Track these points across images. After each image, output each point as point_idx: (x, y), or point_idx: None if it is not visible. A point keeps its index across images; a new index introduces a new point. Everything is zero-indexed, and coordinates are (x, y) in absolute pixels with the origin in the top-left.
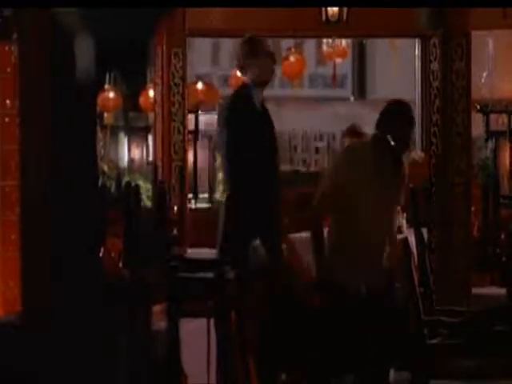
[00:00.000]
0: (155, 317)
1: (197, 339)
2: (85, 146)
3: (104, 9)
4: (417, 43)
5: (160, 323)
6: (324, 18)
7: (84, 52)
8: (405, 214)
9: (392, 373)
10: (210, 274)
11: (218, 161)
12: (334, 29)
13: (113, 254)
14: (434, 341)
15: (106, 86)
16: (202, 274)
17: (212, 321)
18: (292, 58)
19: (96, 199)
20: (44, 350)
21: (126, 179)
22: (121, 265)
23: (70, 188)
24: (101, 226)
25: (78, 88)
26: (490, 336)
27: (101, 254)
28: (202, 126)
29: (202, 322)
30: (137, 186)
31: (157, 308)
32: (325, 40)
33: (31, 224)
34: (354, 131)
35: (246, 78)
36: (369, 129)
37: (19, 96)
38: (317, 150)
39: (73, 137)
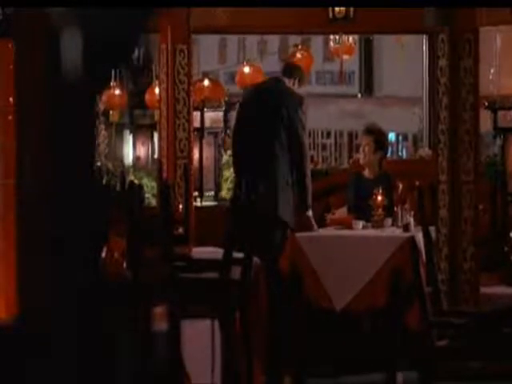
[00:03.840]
0: (157, 318)
1: (201, 340)
2: (82, 144)
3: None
4: (424, 39)
5: (162, 324)
6: (331, 14)
7: (79, 50)
8: (412, 212)
9: (400, 376)
10: (214, 275)
11: (225, 158)
12: (341, 25)
13: (116, 254)
14: (442, 342)
15: (112, 84)
16: (206, 275)
17: (216, 322)
18: (299, 55)
19: (96, 198)
20: (42, 351)
21: (131, 177)
22: (125, 265)
23: (67, 187)
24: (102, 226)
25: (74, 86)
26: (498, 338)
27: (103, 254)
28: (207, 124)
29: (207, 323)
30: (139, 185)
31: (159, 309)
32: (332, 36)
33: (27, 224)
34: (370, 130)
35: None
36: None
37: (16, 94)
38: (324, 147)
39: (69, 135)
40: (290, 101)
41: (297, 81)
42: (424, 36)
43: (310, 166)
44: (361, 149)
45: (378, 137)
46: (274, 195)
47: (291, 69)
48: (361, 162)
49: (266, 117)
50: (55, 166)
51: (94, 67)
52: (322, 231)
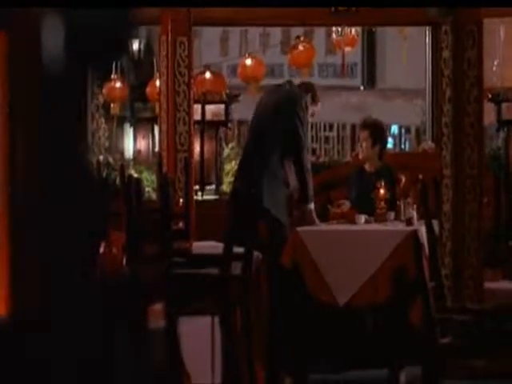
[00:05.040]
0: (156, 315)
1: (201, 338)
2: (75, 137)
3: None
4: (427, 31)
5: (161, 322)
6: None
7: (71, 44)
8: (415, 206)
9: (403, 375)
10: (215, 271)
11: (226, 152)
12: (344, 17)
13: (114, 250)
14: (446, 340)
15: (113, 76)
16: (206, 270)
17: (216, 319)
18: (301, 47)
19: (92, 193)
20: (38, 350)
21: (131, 171)
22: (124, 261)
23: (62, 182)
24: (99, 222)
25: (66, 80)
26: (502, 335)
27: (101, 250)
28: (208, 117)
29: (207, 320)
30: (138, 180)
31: (157, 306)
32: (334, 29)
33: (22, 222)
34: (366, 124)
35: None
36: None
37: (8, 94)
38: (326, 140)
39: (62, 129)
40: (291, 97)
41: (309, 97)
42: (427, 27)
43: (309, 159)
44: (359, 144)
45: (374, 130)
46: (260, 188)
47: (305, 86)
48: (360, 157)
49: (267, 112)
50: (49, 160)
51: (89, 61)
52: (324, 226)
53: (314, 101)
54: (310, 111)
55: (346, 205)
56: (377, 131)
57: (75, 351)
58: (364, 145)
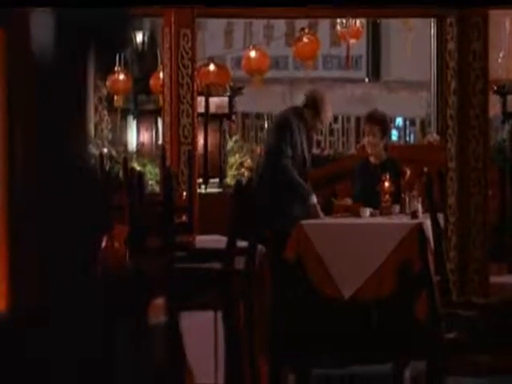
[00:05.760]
0: (158, 310)
1: (203, 332)
2: (74, 133)
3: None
4: (432, 23)
5: (162, 317)
6: None
7: (67, 42)
8: (420, 199)
9: (408, 371)
10: (218, 265)
11: (230, 144)
12: (348, 9)
13: (117, 244)
14: (451, 335)
15: (116, 68)
16: (209, 265)
17: (219, 313)
18: (305, 39)
19: (92, 189)
20: (38, 345)
21: (134, 164)
22: (127, 255)
23: (61, 178)
24: (100, 216)
25: (63, 78)
26: (508, 330)
27: (104, 244)
28: (212, 109)
29: (209, 314)
30: (141, 173)
31: (159, 301)
32: (339, 20)
33: (21, 216)
34: (374, 118)
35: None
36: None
37: (7, 89)
38: (331, 132)
39: (60, 126)
40: (276, 121)
41: (308, 109)
42: (432, 19)
43: (291, 169)
44: (365, 138)
45: (382, 124)
46: (264, 182)
47: (306, 102)
48: (368, 150)
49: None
50: (49, 153)
51: (90, 56)
52: (329, 219)
53: (318, 113)
54: (317, 125)
55: (349, 202)
56: (385, 125)
57: (75, 347)
58: (371, 138)
